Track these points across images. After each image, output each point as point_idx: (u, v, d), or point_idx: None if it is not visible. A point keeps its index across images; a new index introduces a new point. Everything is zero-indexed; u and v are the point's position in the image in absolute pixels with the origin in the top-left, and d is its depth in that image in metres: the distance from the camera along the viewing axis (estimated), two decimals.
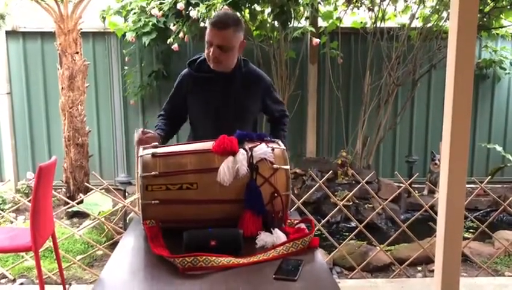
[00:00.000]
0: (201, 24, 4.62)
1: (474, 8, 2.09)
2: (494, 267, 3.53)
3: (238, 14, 2.62)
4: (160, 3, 4.57)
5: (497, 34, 5.45)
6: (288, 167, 1.70)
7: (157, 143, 1.82)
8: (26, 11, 5.06)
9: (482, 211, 4.73)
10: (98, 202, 4.07)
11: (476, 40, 2.15)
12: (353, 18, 5.27)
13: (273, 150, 1.70)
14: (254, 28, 4.81)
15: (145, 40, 4.65)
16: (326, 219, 3.61)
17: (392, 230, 4.24)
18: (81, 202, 3.90)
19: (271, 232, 1.58)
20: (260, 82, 2.33)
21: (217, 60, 2.13)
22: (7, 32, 5.29)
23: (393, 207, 4.32)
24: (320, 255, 1.54)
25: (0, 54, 5.27)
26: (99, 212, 3.87)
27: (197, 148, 1.72)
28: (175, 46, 4.59)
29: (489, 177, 3.83)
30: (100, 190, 3.49)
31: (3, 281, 3.31)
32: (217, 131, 1.81)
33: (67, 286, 3.10)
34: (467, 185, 2.32)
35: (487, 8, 4.92)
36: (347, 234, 3.90)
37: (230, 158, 1.63)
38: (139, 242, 1.66)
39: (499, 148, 5.15)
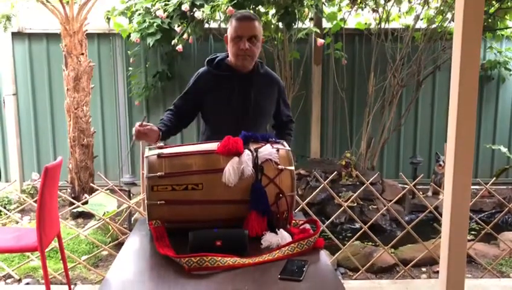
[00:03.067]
0: (206, 25, 4.63)
1: (479, 9, 2.09)
2: (499, 268, 3.52)
3: None
4: (165, 5, 4.58)
5: (502, 35, 5.43)
6: (293, 167, 1.70)
7: (162, 144, 1.83)
8: (32, 12, 5.08)
9: (487, 213, 4.71)
10: (103, 203, 4.08)
11: (481, 41, 2.14)
12: (357, 19, 5.27)
13: (278, 150, 1.71)
14: None
15: (150, 41, 4.67)
16: (330, 220, 3.61)
17: (396, 231, 4.23)
18: (86, 202, 3.91)
19: (276, 233, 1.59)
20: (277, 84, 2.37)
21: (248, 52, 2.15)
22: (13, 34, 5.31)
23: (398, 208, 4.32)
24: (325, 256, 1.55)
25: (6, 55, 5.30)
26: (104, 213, 3.89)
27: (202, 149, 1.73)
28: (179, 47, 4.61)
29: (494, 178, 3.82)
30: (105, 190, 3.50)
31: (9, 281, 3.33)
32: (234, 130, 1.80)
33: (72, 286, 3.11)
34: (472, 187, 2.31)
35: (492, 9, 4.91)
36: (351, 235, 3.90)
37: (236, 159, 1.64)
38: (145, 243, 1.67)
39: (504, 150, 5.13)
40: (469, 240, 3.35)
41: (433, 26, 4.96)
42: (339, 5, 5.07)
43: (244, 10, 2.27)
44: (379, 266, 3.47)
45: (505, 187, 5.20)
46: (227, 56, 2.27)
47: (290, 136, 2.45)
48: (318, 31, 4.67)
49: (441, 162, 4.93)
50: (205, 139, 2.30)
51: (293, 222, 1.75)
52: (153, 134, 2.03)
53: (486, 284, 3.23)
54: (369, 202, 4.57)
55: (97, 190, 3.54)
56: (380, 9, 4.96)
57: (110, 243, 3.74)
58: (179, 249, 1.48)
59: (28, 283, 3.28)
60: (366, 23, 5.23)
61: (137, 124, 2.01)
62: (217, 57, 2.30)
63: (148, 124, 2.05)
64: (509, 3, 4.89)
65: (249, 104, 2.23)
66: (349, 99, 5.47)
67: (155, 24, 4.65)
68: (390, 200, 3.77)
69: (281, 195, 1.65)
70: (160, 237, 1.58)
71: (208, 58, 2.33)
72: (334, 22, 5.10)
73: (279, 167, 1.67)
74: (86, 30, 4.81)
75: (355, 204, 4.38)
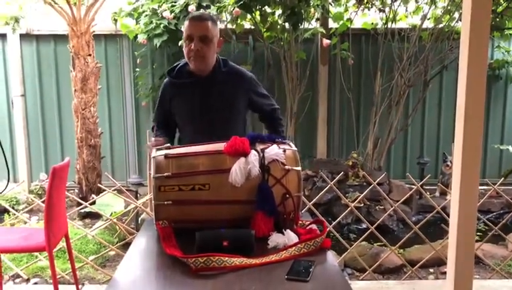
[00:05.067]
0: None
1: (487, 8, 2.08)
2: (508, 269, 3.50)
3: None
4: (172, 6, 4.60)
5: (510, 34, 5.39)
6: (299, 168, 1.70)
7: (170, 144, 1.84)
8: (39, 14, 5.12)
9: (495, 213, 4.68)
10: (110, 203, 4.10)
11: (489, 40, 2.13)
12: (364, 19, 5.25)
13: (284, 151, 1.71)
14: (265, 29, 4.82)
15: (157, 42, 4.68)
16: (337, 220, 3.60)
17: (403, 232, 4.21)
18: (94, 202, 3.93)
19: (283, 233, 1.58)
20: (242, 78, 2.32)
21: (199, 53, 2.14)
22: (21, 35, 5.35)
23: (405, 209, 4.30)
24: (332, 256, 1.54)
25: (14, 56, 5.35)
26: (112, 213, 3.91)
27: (209, 149, 1.73)
28: None
29: (502, 178, 3.80)
30: (112, 191, 3.52)
31: (17, 280, 3.35)
32: (204, 134, 1.82)
33: (80, 286, 3.13)
34: (480, 187, 2.30)
35: (500, 8, 4.87)
36: (358, 235, 3.89)
37: (242, 159, 1.64)
38: (152, 243, 1.67)
39: None
40: (477, 241, 3.33)
41: (440, 25, 4.94)
42: (346, 5, 5.06)
43: (198, 11, 2.27)
44: (386, 266, 3.46)
45: None
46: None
47: (281, 125, 2.45)
48: (324, 31, 4.66)
49: (448, 163, 4.90)
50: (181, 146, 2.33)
51: (300, 222, 1.75)
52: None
53: (495, 285, 3.21)
54: (376, 202, 4.55)
55: (104, 190, 3.56)
56: (387, 9, 4.95)
57: (117, 243, 3.76)
58: (186, 249, 1.49)
59: (36, 283, 3.31)
60: (372, 23, 5.21)
61: (153, 139, 2.09)
62: (178, 64, 2.30)
63: (160, 139, 2.11)
64: None
65: (213, 105, 2.23)
66: (355, 100, 5.46)
67: (162, 25, 4.66)
68: (398, 201, 3.75)
69: (287, 195, 1.65)
70: (167, 237, 1.58)
71: (168, 69, 2.34)
72: (341, 22, 5.09)
73: (286, 167, 1.67)
74: (93, 31, 4.84)
75: (362, 204, 4.36)
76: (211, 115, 2.23)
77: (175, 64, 2.32)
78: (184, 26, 2.18)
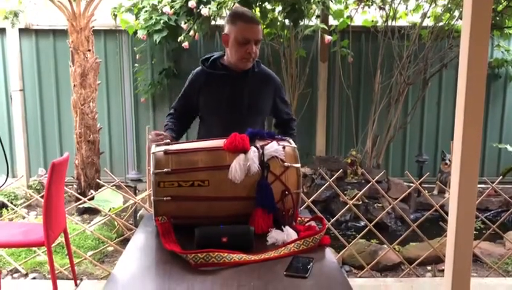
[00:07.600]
0: (212, 22, 4.63)
1: (488, 7, 2.08)
2: (505, 267, 3.51)
3: None
4: (172, 1, 4.59)
5: (510, 33, 5.39)
6: (299, 165, 1.70)
7: (169, 141, 1.84)
8: (39, 8, 5.11)
9: (493, 212, 4.70)
10: (108, 199, 4.10)
11: (489, 39, 2.13)
12: (364, 17, 5.25)
13: (284, 148, 1.71)
14: (264, 26, 4.81)
15: (156, 37, 4.68)
16: (335, 217, 3.61)
17: (401, 229, 4.23)
18: (92, 198, 3.93)
19: (282, 230, 1.59)
20: (272, 81, 2.37)
21: (254, 55, 2.18)
22: (20, 30, 5.34)
23: (403, 206, 4.31)
24: (331, 253, 1.55)
25: (13, 51, 5.33)
26: (110, 209, 3.91)
27: (208, 145, 1.73)
28: (185, 44, 4.62)
29: (501, 177, 3.81)
30: (111, 186, 3.52)
31: (15, 275, 3.35)
32: (228, 129, 1.82)
33: (78, 281, 3.13)
34: (478, 185, 2.30)
35: (500, 7, 4.87)
36: (356, 233, 3.90)
37: (242, 156, 1.64)
38: (151, 238, 1.67)
39: (511, 149, 5.10)
40: (474, 239, 3.34)
41: (440, 24, 4.94)
42: (346, 2, 5.05)
43: (245, 9, 2.27)
44: (384, 264, 3.47)
45: (511, 186, 5.18)
46: (223, 55, 2.29)
47: (293, 135, 2.46)
48: (325, 27, 4.66)
49: (447, 161, 4.91)
50: (200, 138, 2.33)
51: (299, 219, 1.75)
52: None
53: (492, 284, 3.23)
54: (374, 200, 4.56)
55: (103, 185, 3.56)
56: (387, 7, 4.94)
57: (115, 238, 3.76)
58: (185, 245, 1.49)
59: (34, 278, 3.31)
60: (372, 21, 5.21)
61: (153, 133, 2.05)
62: (212, 56, 2.32)
63: (162, 132, 2.10)
64: None
65: (242, 103, 2.25)
66: (355, 97, 5.46)
67: (162, 21, 4.65)
68: (396, 199, 3.75)
69: (286, 192, 1.65)
70: (166, 232, 1.58)
71: (202, 58, 2.36)
72: (341, 20, 5.08)
73: (285, 164, 1.67)
74: (93, 26, 4.83)
75: (361, 202, 4.37)
76: (238, 109, 2.25)
77: (209, 55, 2.33)
78: (235, 26, 2.14)
